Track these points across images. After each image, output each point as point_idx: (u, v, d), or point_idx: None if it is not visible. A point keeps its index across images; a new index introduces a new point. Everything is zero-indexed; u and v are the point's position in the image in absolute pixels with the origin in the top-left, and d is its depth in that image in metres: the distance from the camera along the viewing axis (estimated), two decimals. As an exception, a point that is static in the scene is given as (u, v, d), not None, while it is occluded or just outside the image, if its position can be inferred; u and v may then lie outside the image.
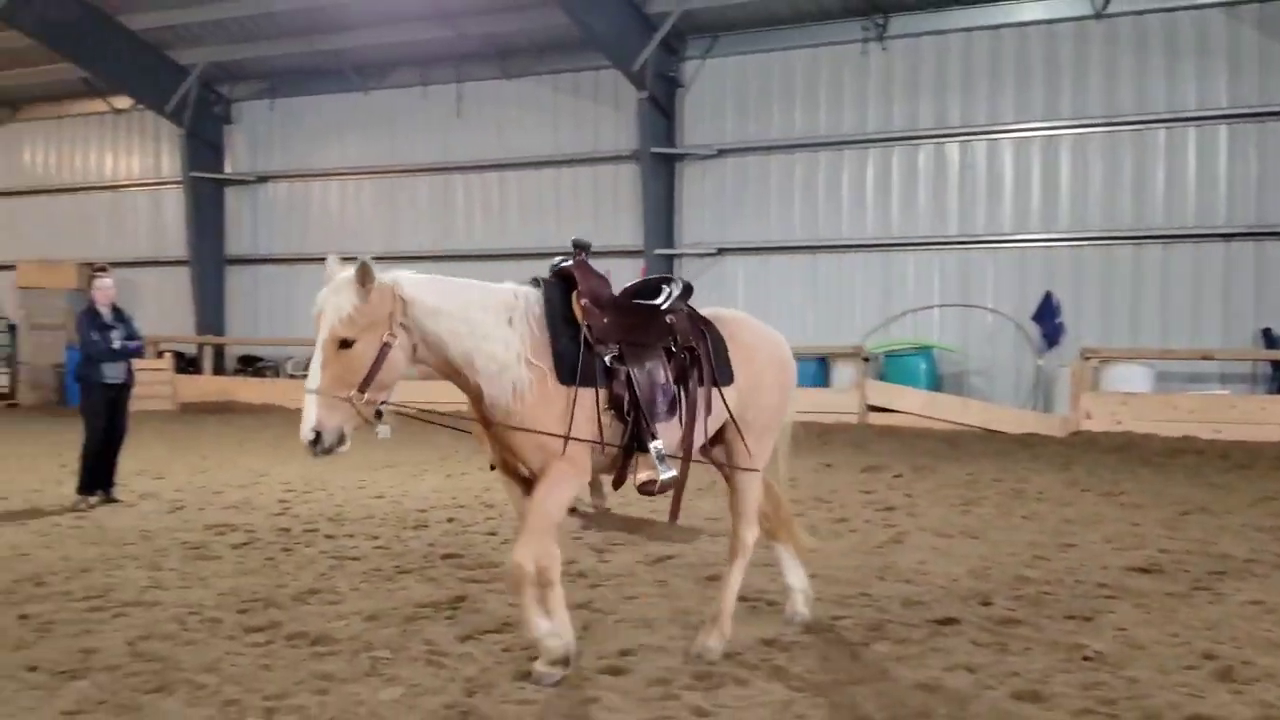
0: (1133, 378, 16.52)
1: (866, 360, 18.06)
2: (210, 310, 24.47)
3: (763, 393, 5.45)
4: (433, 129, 22.83)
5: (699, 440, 5.27)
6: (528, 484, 4.98)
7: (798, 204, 20.01)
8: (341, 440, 4.59)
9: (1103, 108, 17.70)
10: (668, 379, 5.04)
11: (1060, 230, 18.07)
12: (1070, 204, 18.02)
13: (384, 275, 4.69)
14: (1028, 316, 17.95)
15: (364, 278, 4.56)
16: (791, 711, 4.59)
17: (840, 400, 17.74)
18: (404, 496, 10.54)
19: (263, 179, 24.71)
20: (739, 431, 5.35)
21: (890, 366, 18.18)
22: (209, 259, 24.64)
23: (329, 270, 4.76)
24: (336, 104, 23.71)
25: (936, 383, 18.19)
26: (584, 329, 4.91)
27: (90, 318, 10.11)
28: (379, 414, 4.64)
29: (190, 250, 24.46)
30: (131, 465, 11.79)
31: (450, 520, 9.24)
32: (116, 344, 9.86)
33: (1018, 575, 7.02)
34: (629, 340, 5.02)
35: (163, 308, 24.27)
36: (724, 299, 19.90)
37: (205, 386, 22.64)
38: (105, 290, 10.14)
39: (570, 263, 5.17)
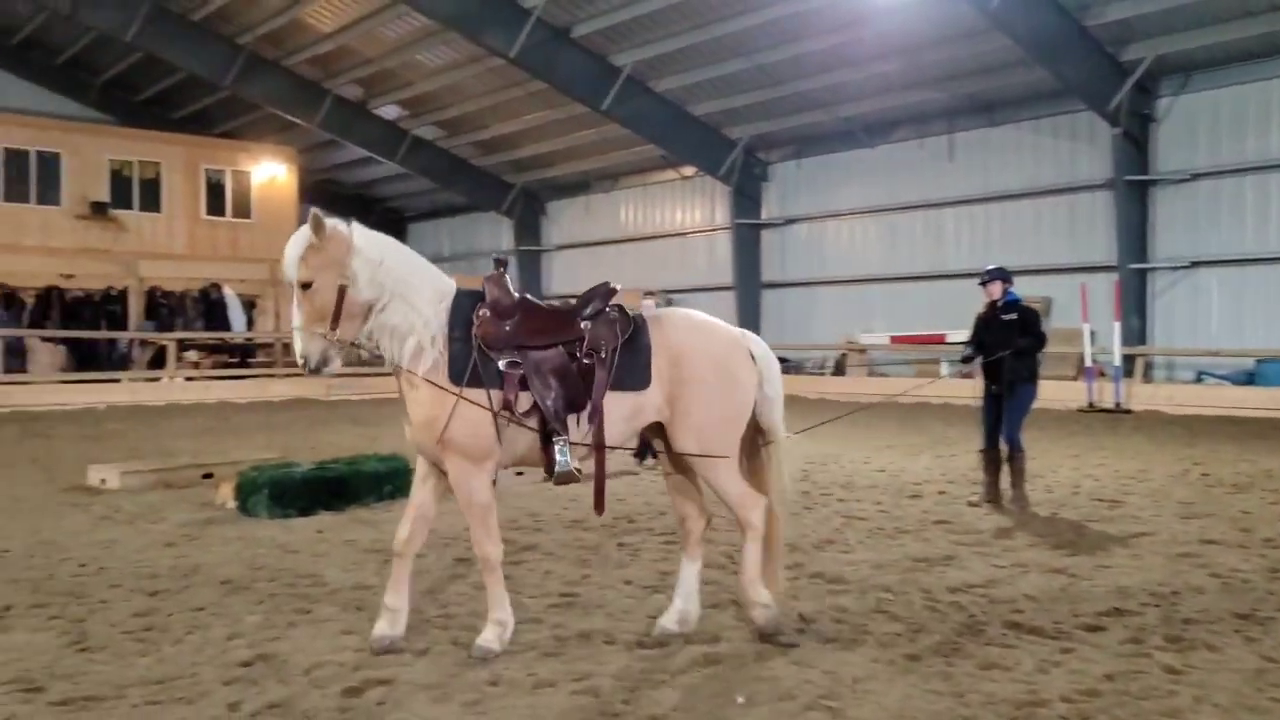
0: None
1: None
2: (749, 323, 26.11)
3: (694, 388, 4.83)
4: (926, 174, 23.90)
5: (616, 439, 4.84)
6: (434, 466, 4.81)
7: (1274, 220, 19.01)
8: (326, 361, 4.55)
9: None
10: (563, 382, 4.67)
11: None
12: None
13: (341, 225, 4.60)
14: None
15: (316, 226, 4.51)
16: (1265, 679, 4.33)
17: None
18: (901, 472, 10.65)
19: (790, 221, 26.85)
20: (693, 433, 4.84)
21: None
22: (749, 284, 27.06)
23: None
24: (847, 159, 25.39)
25: None
26: (475, 337, 4.62)
27: None
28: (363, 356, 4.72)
29: (735, 278, 27.08)
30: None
31: (941, 493, 9.28)
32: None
33: None
34: (526, 345, 4.66)
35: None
36: (1198, 306, 19.89)
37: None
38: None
39: (488, 275, 4.87)
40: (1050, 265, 21.68)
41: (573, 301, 4.98)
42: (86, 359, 23.45)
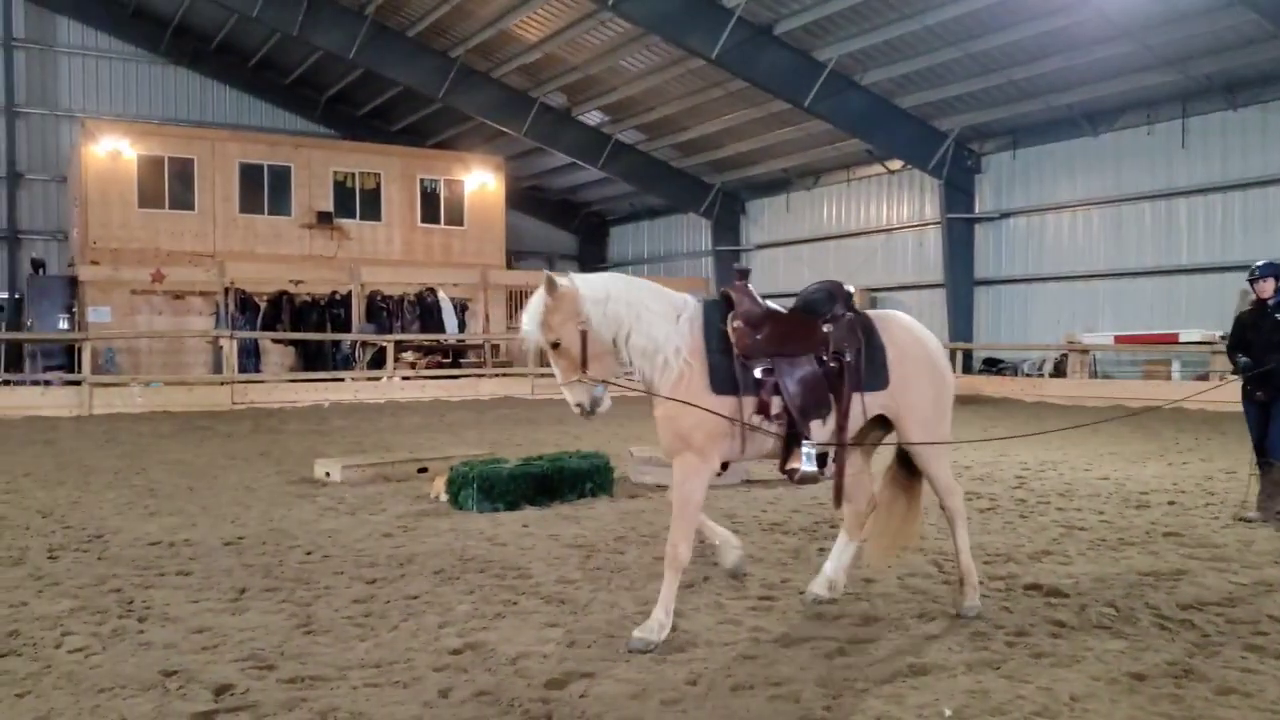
0: None
1: None
2: (961, 322, 25.89)
3: (910, 393, 5.20)
4: (1156, 161, 22.39)
5: (850, 433, 5.14)
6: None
7: None
8: (598, 402, 4.93)
9: None
10: (818, 384, 4.99)
11: None
12: None
13: (565, 280, 4.91)
14: None
15: (550, 288, 4.84)
16: None
17: None
18: (1127, 480, 10.14)
19: (1005, 215, 25.69)
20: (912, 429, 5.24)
21: None
22: (961, 281, 25.99)
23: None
24: (1068, 149, 24.09)
25: None
26: (734, 347, 4.93)
27: None
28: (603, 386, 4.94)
29: (946, 275, 26.14)
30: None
31: (1171, 503, 8.79)
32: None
33: None
34: (779, 353, 4.97)
35: (921, 320, 26.81)
36: None
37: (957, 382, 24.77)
38: None
39: (731, 286, 5.20)
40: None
41: (785, 302, 5.33)
42: (313, 359, 25.35)
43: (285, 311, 26.46)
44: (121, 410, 19.37)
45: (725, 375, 4.91)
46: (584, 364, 4.88)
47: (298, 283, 27.00)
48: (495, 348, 28.45)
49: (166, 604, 5.61)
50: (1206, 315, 21.16)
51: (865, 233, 29.50)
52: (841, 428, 5.08)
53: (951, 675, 4.44)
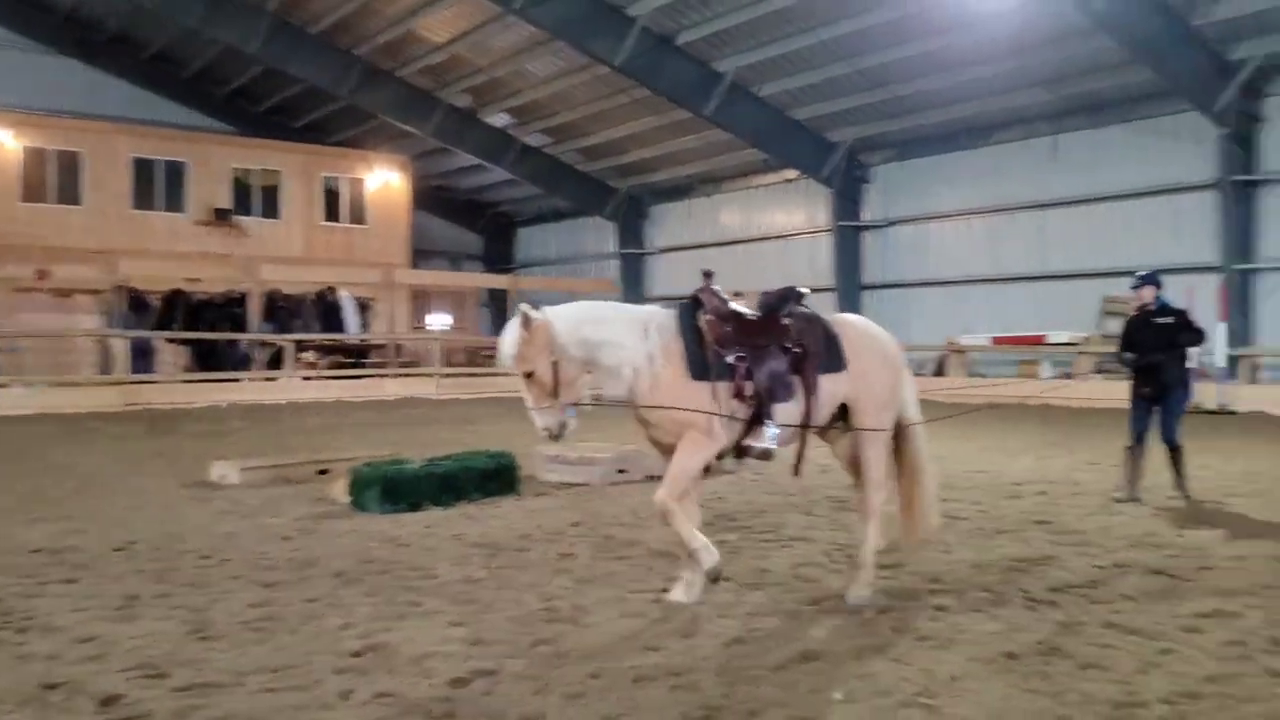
0: None
1: None
2: None
3: (869, 379, 5.59)
4: (1030, 174, 23.26)
5: (818, 415, 5.51)
6: (669, 453, 5.41)
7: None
8: (564, 426, 5.25)
9: None
10: (783, 370, 5.39)
11: None
12: None
13: (537, 315, 5.21)
14: None
15: (525, 323, 5.16)
16: None
17: None
18: (1001, 473, 10.38)
19: (891, 223, 26.39)
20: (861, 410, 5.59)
21: None
22: (850, 286, 26.60)
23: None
24: (950, 161, 24.86)
25: None
26: (709, 339, 5.35)
27: None
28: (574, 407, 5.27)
29: (836, 280, 26.68)
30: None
31: (1041, 493, 9.05)
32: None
33: None
34: (749, 343, 5.39)
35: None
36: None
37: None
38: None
39: (699, 288, 5.55)
40: (1153, 266, 20.73)
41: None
42: (209, 359, 24.45)
43: (180, 310, 25.51)
44: (4, 412, 18.34)
45: (701, 364, 5.31)
46: (555, 391, 5.19)
47: (194, 281, 26.07)
48: (399, 348, 27.97)
49: (50, 614, 5.30)
50: (1073, 318, 22.14)
51: (763, 238, 29.91)
52: (809, 408, 5.45)
53: (841, 661, 4.53)
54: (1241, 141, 19.44)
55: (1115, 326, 21.28)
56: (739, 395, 5.31)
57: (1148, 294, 8.90)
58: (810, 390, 5.45)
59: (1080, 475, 10.24)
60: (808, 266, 28.34)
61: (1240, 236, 19.55)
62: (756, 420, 5.34)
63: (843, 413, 5.71)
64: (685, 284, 32.13)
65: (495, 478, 9.03)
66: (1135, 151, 21.56)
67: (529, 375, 5.19)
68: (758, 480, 9.93)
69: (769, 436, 5.35)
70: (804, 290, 5.76)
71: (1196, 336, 8.82)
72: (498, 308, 36.19)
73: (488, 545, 6.98)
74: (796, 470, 5.83)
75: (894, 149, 26.20)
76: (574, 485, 9.65)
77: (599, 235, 35.90)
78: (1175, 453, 8.73)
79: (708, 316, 5.42)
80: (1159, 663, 4.48)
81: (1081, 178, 22.47)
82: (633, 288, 33.74)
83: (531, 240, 39.84)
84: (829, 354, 5.54)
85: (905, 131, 25.12)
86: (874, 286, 26.96)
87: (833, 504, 8.57)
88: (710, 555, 5.26)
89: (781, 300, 5.69)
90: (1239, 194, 19.48)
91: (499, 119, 30.36)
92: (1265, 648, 4.68)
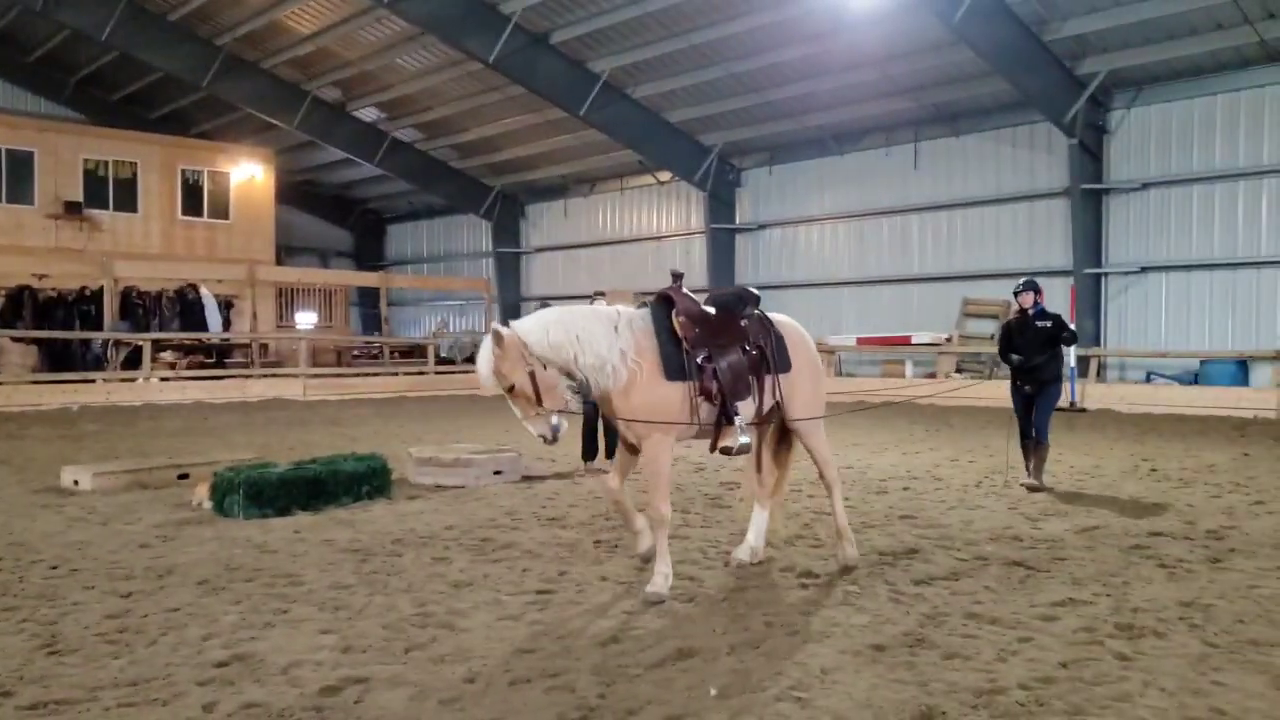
0: None
1: (1285, 363, 17.18)
2: None
3: (804, 377, 6.18)
4: (894, 180, 24.09)
5: (766, 413, 6.08)
6: (633, 449, 5.81)
7: (1217, 228, 19.45)
8: (558, 429, 5.43)
9: None
10: (744, 370, 5.83)
11: None
12: None
13: (505, 330, 5.38)
14: None
15: (497, 340, 5.33)
16: (1207, 664, 4.48)
17: (1258, 398, 17.33)
18: (868, 468, 10.71)
19: (762, 226, 26.89)
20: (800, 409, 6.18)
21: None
22: (722, 287, 27.60)
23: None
24: (818, 166, 25.54)
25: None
26: (683, 339, 5.64)
27: None
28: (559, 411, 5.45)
29: (709, 281, 26.66)
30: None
31: (906, 489, 9.36)
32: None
33: None
34: (715, 344, 5.75)
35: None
36: (1148, 310, 20.31)
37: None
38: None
39: (670, 288, 5.86)
40: (1009, 270, 21.84)
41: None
42: (59, 359, 23.06)
43: (27, 308, 23.98)
44: None
45: (676, 364, 5.63)
46: (539, 400, 5.38)
47: (42, 276, 24.55)
48: (264, 347, 27.00)
49: (-119, 631, 4.95)
50: (935, 319, 23.07)
51: (638, 239, 30.14)
52: (762, 404, 5.96)
53: (715, 657, 4.60)
54: (1090, 152, 20.53)
55: (975, 327, 22.50)
56: (706, 394, 5.67)
57: (1028, 299, 9.56)
58: (765, 389, 5.96)
59: (943, 471, 10.66)
60: (683, 268, 28.38)
61: (1090, 242, 20.63)
62: (724, 418, 5.75)
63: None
64: (562, 284, 32.23)
65: (366, 481, 8.82)
66: (992, 160, 22.60)
67: (511, 390, 5.38)
68: (634, 480, 10.00)
69: (741, 433, 5.74)
70: (757, 293, 6.19)
71: (1073, 337, 9.60)
72: (368, 306, 35.45)
73: (359, 550, 6.82)
74: (758, 467, 6.39)
75: (765, 153, 26.72)
76: (448, 488, 9.50)
77: (474, 233, 35.55)
78: (1041, 447, 9.41)
79: (680, 317, 5.70)
80: (1017, 650, 4.68)
81: (942, 184, 23.41)
82: (509, 287, 33.50)
83: (403, 237, 39.13)
84: (779, 355, 6.05)
85: (776, 136, 25.63)
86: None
87: (708, 502, 8.71)
88: (664, 583, 5.53)
89: (740, 302, 6.09)
90: (1088, 202, 20.56)
91: (369, 113, 29.69)
92: (1112, 633, 4.94)
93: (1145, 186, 20.30)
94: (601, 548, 6.92)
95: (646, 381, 5.54)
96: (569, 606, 5.44)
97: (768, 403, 6.03)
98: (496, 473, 9.85)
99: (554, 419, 5.42)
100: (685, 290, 5.87)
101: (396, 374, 26.55)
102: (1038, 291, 9.62)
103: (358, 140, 30.15)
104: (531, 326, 5.47)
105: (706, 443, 5.96)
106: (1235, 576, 6.06)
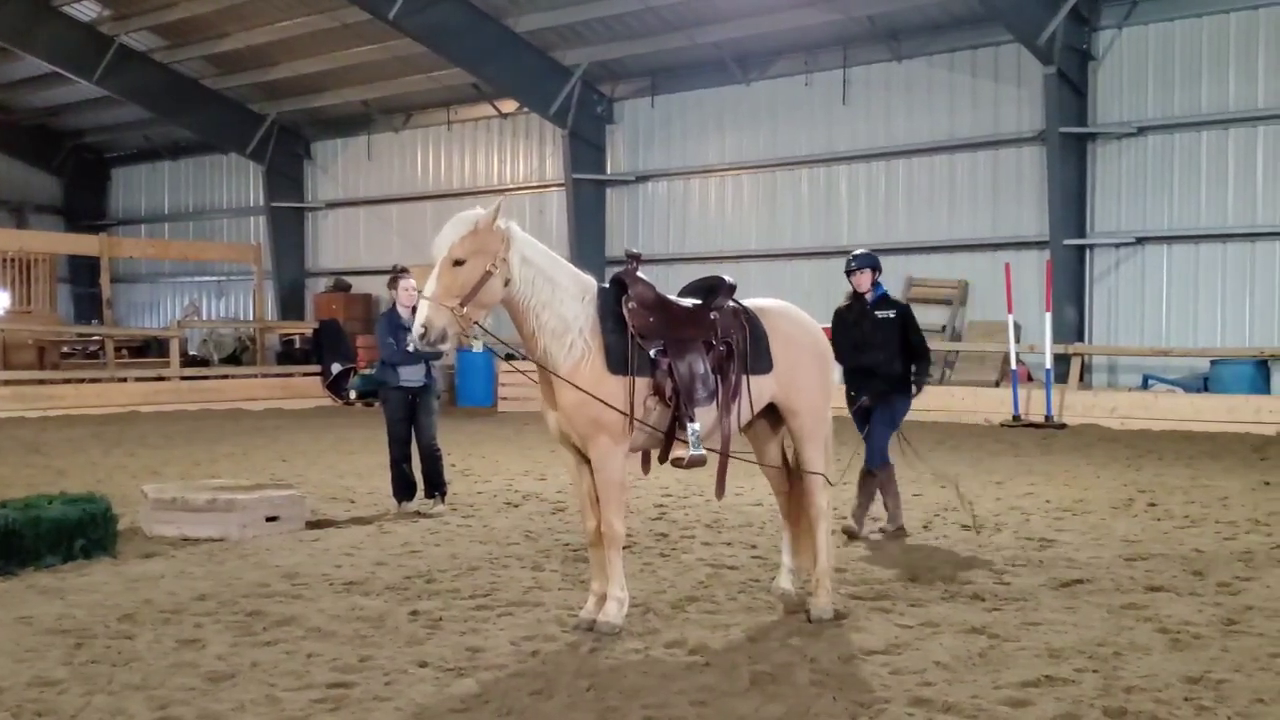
0: None
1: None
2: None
3: (799, 377, 6.94)
4: (816, 119, 24.51)
5: (740, 421, 6.80)
6: (579, 455, 6.55)
7: (1232, 186, 20.16)
8: (444, 338, 6.19)
9: None
10: (706, 369, 6.54)
11: None
12: None
13: (501, 220, 6.21)
14: None
15: (493, 217, 6.17)
16: None
17: (1286, 408, 17.90)
18: (764, 500, 10.61)
19: (642, 178, 27.15)
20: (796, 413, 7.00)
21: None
22: (591, 261, 26.19)
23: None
24: (717, 98, 25.80)
25: None
26: (630, 328, 6.44)
27: (389, 320, 10.88)
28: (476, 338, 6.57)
29: (571, 251, 26.42)
30: (518, 466, 13.73)
31: (832, 532, 9.87)
32: (411, 347, 9.08)
33: None
34: (672, 336, 6.53)
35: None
36: (1145, 293, 20.87)
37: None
38: (408, 291, 10.60)
39: (624, 271, 6.67)
40: (967, 240, 22.64)
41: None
42: None
43: None
44: None
45: (621, 356, 6.37)
46: (469, 298, 6.11)
47: None
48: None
49: None
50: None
51: (473, 193, 29.14)
52: (729, 410, 6.64)
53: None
54: (1072, 85, 21.00)
55: (924, 315, 22.79)
56: (659, 394, 6.41)
57: (864, 280, 9.62)
58: (734, 395, 6.64)
59: (876, 508, 10.70)
60: (534, 232, 27.87)
61: (1072, 204, 21.11)
62: (676, 424, 6.48)
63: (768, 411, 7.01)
64: (364, 253, 31.80)
65: (80, 533, 8.61)
66: (945, 93, 23.11)
67: (458, 263, 6.09)
68: (468, 526, 10.00)
69: (691, 442, 6.41)
70: (733, 281, 6.86)
71: (923, 346, 9.68)
72: (84, 284, 34.27)
73: (72, 631, 6.64)
74: (720, 490, 7.01)
75: (646, 79, 26.87)
76: (201, 540, 9.25)
77: (238, 181, 35.09)
78: (884, 468, 9.56)
79: (631, 304, 6.45)
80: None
81: (879, 125, 23.88)
82: (289, 257, 32.95)
83: (136, 185, 38.34)
84: (756, 353, 6.73)
85: (659, 56, 25.78)
86: (622, 261, 27.34)
87: (568, 553, 8.81)
88: (618, 611, 6.43)
89: (710, 291, 6.81)
90: (1069, 150, 21.05)
91: (85, 9, 28.84)
92: (1101, 721, 5.08)
93: (1142, 131, 21.01)
94: (420, 621, 6.85)
95: (591, 370, 6.30)
96: (373, 706, 5.36)
97: (743, 409, 6.72)
98: (270, 519, 9.71)
99: (451, 327, 6.14)
100: (642, 274, 6.60)
101: (125, 380, 25.96)
102: (876, 269, 9.70)
103: (70, 48, 29.28)
104: (527, 245, 6.35)
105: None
106: (1253, 643, 6.25)
